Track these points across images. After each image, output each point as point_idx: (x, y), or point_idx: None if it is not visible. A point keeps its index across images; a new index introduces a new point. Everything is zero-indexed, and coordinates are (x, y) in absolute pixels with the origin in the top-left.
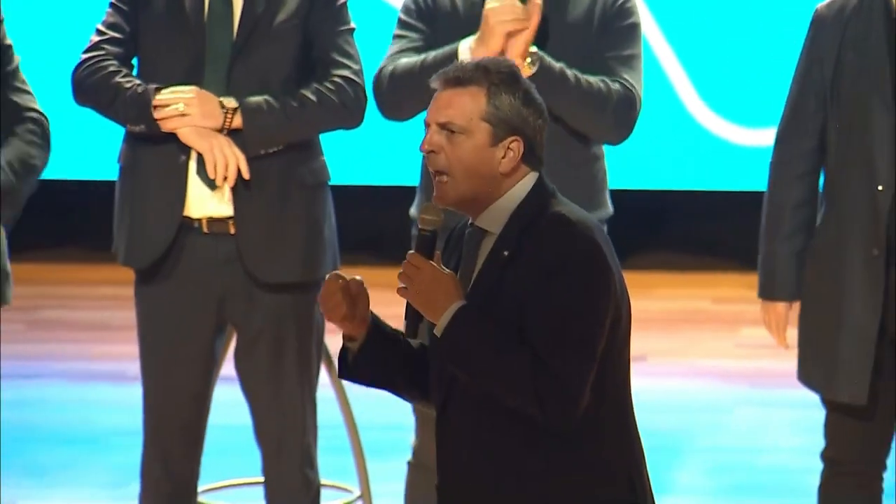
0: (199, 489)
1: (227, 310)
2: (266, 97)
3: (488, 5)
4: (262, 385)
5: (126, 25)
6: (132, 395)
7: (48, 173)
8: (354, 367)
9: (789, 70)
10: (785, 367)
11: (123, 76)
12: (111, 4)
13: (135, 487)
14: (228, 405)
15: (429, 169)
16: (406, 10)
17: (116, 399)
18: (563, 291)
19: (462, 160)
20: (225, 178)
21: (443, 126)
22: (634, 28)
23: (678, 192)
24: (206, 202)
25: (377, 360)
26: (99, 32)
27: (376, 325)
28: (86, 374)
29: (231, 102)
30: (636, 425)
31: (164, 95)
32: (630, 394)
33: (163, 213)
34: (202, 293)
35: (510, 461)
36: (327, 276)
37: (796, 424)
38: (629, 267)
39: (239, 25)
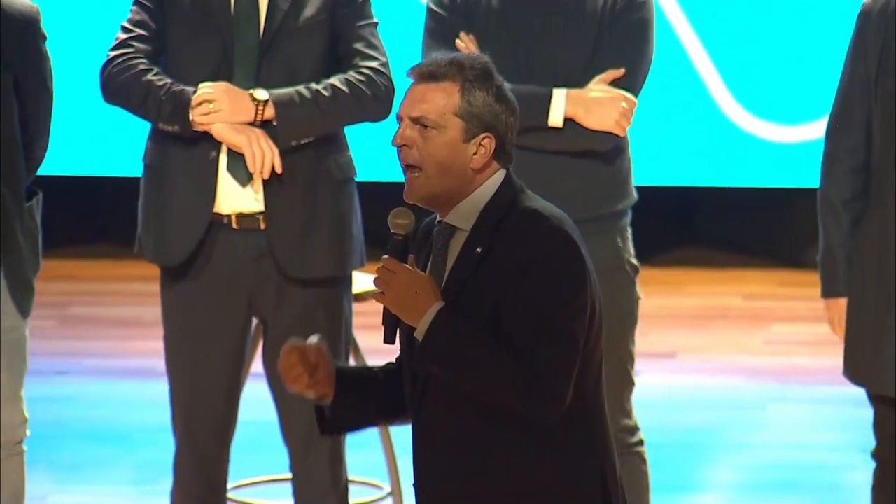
0: (229, 486)
1: (256, 306)
2: (297, 88)
3: (612, 95)
4: None
5: (152, 22)
6: (164, 392)
7: (80, 170)
8: (333, 422)
9: (820, 66)
10: (816, 363)
11: (154, 74)
12: (136, 2)
13: (165, 484)
14: (256, 401)
15: (400, 163)
16: (440, 3)
17: (148, 395)
18: (543, 287)
19: (434, 155)
20: (262, 172)
21: (415, 120)
22: (642, 23)
23: (708, 189)
24: (235, 198)
25: (352, 407)
26: (125, 30)
27: (341, 376)
28: (117, 371)
29: (262, 94)
30: (608, 423)
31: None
32: (603, 393)
33: (193, 210)
34: (232, 289)
35: (484, 459)
36: (284, 348)
37: (828, 421)
38: (659, 263)
39: (265, 22)
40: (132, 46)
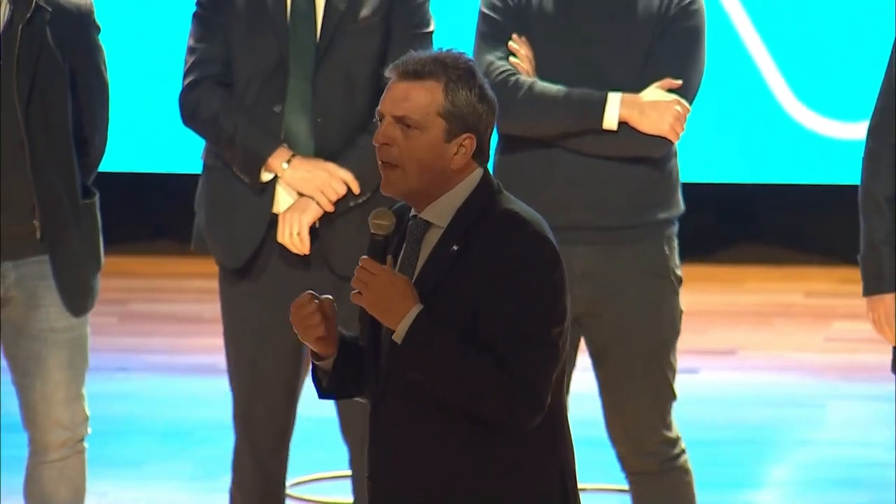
0: (289, 482)
1: None
2: (356, 144)
3: (667, 99)
4: None
5: (214, 35)
6: (223, 388)
7: (140, 167)
8: (330, 387)
9: (881, 63)
10: (877, 361)
11: (229, 115)
12: (195, 15)
13: (224, 480)
14: (315, 398)
15: (378, 159)
16: (492, 6)
17: (208, 392)
18: (525, 294)
19: (414, 155)
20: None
21: (398, 119)
22: (695, 31)
23: (770, 186)
24: (291, 199)
25: (350, 372)
26: (192, 51)
27: (342, 343)
28: (177, 367)
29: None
30: (569, 426)
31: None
32: (565, 395)
33: (254, 212)
34: (289, 288)
35: (442, 457)
36: (300, 298)
37: (889, 419)
38: (721, 260)
39: (322, 23)
40: (205, 75)
